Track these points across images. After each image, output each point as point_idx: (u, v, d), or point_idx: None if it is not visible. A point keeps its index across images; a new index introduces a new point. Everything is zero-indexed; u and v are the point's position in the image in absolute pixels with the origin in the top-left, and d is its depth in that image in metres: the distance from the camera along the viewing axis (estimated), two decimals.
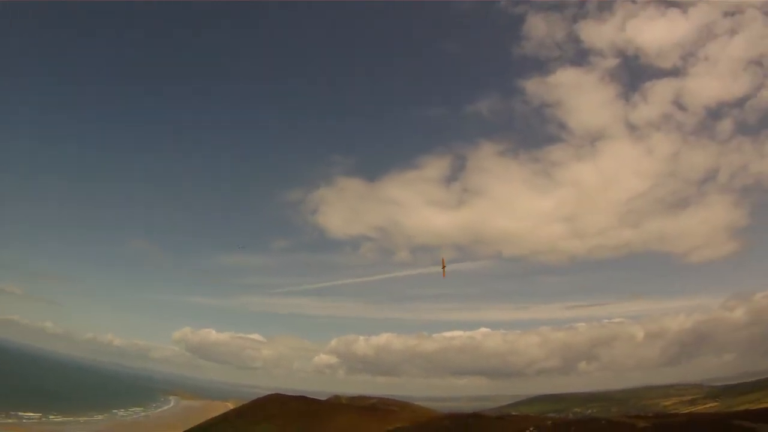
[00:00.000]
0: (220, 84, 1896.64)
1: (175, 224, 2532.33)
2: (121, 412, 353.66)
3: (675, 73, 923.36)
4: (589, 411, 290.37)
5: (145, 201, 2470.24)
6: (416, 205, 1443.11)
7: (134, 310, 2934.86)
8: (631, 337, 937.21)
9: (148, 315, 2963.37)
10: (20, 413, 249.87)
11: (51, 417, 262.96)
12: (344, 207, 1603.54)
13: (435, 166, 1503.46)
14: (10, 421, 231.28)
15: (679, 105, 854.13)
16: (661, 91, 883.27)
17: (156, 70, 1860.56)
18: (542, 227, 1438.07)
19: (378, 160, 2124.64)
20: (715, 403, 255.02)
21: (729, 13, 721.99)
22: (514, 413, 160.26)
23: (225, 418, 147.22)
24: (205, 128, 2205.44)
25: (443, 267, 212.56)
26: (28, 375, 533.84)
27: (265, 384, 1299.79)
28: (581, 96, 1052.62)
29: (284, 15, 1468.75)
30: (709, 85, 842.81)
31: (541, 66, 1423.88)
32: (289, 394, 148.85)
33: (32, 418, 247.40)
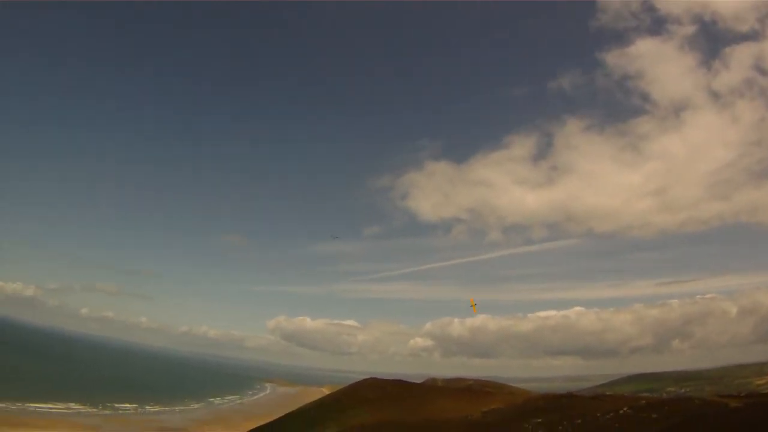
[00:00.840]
0: (310, 77, 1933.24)
1: (268, 216, 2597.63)
2: (218, 401, 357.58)
3: (754, 36, 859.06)
4: (683, 390, 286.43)
5: (238, 194, 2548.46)
6: (505, 184, 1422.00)
7: (228, 301, 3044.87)
8: (724, 314, 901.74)
9: (242, 306, 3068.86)
10: (116, 405, 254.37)
11: (147, 407, 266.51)
12: (434, 190, 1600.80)
13: (522, 145, 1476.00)
14: (106, 412, 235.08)
15: (761, 69, 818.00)
16: (741, 57, 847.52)
17: (248, 67, 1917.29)
18: (632, 202, 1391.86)
19: (465, 142, 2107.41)
20: None
21: None
22: (608, 393, 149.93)
23: (321, 403, 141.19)
24: (295, 120, 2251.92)
25: (473, 305, 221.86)
26: (124, 368, 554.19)
27: (360, 369, 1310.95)
28: (662, 66, 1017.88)
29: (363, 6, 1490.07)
30: None
31: (619, 37, 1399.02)
32: (385, 378, 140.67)
33: (128, 410, 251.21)
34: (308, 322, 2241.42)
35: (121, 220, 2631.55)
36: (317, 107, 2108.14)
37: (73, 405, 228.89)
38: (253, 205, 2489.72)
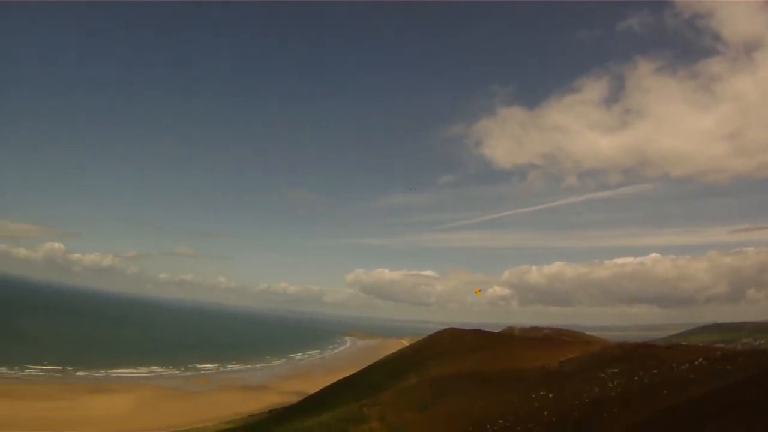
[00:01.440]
0: (380, 30, 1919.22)
1: (342, 170, 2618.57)
2: (298, 356, 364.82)
3: None
4: (758, 342, 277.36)
5: (312, 149, 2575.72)
6: (579, 129, 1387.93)
7: (306, 257, 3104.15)
8: None
9: (320, 261, 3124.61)
10: (198, 366, 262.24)
11: (229, 366, 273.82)
12: (507, 137, 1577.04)
13: (594, 88, 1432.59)
14: (188, 373, 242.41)
15: None
16: None
17: (318, 25, 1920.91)
18: (705, 146, 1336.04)
19: (536, 86, 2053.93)
20: None
21: None
22: (683, 343, 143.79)
23: (401, 354, 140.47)
24: (367, 72, 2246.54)
25: (478, 292, 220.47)
26: (205, 329, 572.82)
27: (439, 319, 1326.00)
28: (731, 4, 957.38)
29: None
30: None
31: None
32: (464, 328, 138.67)
33: (210, 370, 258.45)
34: (387, 274, 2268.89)
35: (195, 184, 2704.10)
36: (388, 58, 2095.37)
37: (155, 368, 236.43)
38: (327, 159, 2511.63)
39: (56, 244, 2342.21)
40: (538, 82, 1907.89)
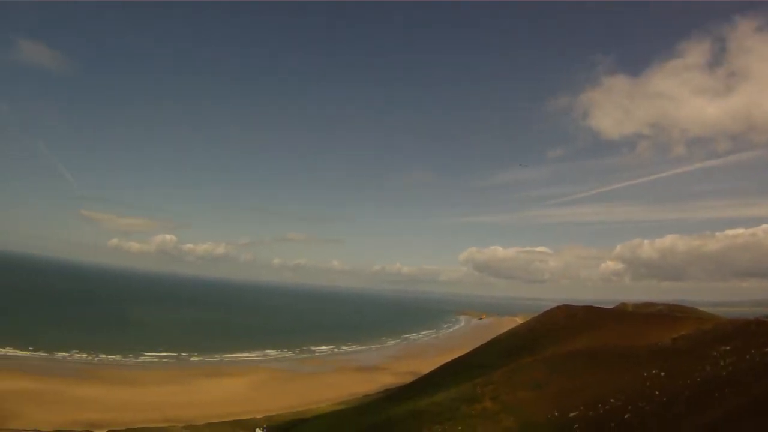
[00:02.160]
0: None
1: (451, 147, 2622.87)
2: (413, 336, 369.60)
3: None
4: None
5: (420, 128, 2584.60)
6: (684, 95, 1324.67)
7: (419, 237, 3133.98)
8: None
9: (433, 240, 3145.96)
10: (312, 348, 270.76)
11: (343, 348, 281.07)
12: (613, 107, 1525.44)
13: (695, 52, 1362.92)
14: (303, 355, 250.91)
15: None
16: None
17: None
18: None
19: (637, 52, 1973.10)
20: None
21: None
22: None
23: (514, 332, 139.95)
24: (475, 50, 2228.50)
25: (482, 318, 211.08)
26: (319, 312, 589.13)
27: (552, 296, 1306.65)
28: None
29: None
30: None
31: None
32: (577, 304, 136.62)
33: (324, 351, 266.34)
34: (500, 251, 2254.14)
35: (306, 170, 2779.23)
36: (494, 38, 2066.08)
37: (270, 352, 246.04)
38: (436, 138, 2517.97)
39: (168, 236, 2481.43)
40: (639, 48, 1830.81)
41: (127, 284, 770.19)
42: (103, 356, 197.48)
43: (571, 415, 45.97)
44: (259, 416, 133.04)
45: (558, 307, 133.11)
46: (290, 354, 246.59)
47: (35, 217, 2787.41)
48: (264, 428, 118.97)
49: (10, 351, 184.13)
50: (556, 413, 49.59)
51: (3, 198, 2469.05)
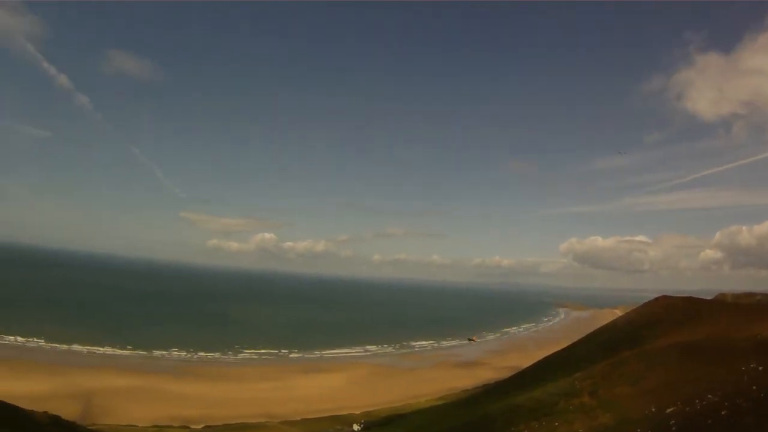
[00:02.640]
0: None
1: (547, 137, 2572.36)
2: (513, 329, 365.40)
3: None
4: None
5: (513, 120, 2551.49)
6: None
7: (519, 229, 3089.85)
8: None
9: (533, 232, 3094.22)
10: (412, 343, 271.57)
11: (443, 342, 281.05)
12: (708, 86, 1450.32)
13: None
14: (404, 350, 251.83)
15: None
16: None
17: None
18: None
19: (728, 27, 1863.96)
20: None
21: None
22: None
23: (613, 325, 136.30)
24: (559, 36, 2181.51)
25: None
26: (420, 307, 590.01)
27: (652, 286, 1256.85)
28: None
29: None
30: None
31: None
32: (676, 295, 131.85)
33: (425, 347, 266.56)
34: (599, 242, 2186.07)
35: (400, 165, 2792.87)
36: (584, 18, 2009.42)
37: (370, 347, 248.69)
38: (529, 128, 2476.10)
39: (267, 235, 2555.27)
40: (730, 22, 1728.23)
41: (228, 283, 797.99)
42: (202, 354, 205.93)
43: (668, 411, 44.79)
44: (357, 412, 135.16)
45: (657, 299, 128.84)
46: (390, 349, 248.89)
47: (136, 221, 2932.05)
48: (362, 423, 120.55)
49: (108, 350, 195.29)
50: (653, 409, 48.42)
51: (105, 204, 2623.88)
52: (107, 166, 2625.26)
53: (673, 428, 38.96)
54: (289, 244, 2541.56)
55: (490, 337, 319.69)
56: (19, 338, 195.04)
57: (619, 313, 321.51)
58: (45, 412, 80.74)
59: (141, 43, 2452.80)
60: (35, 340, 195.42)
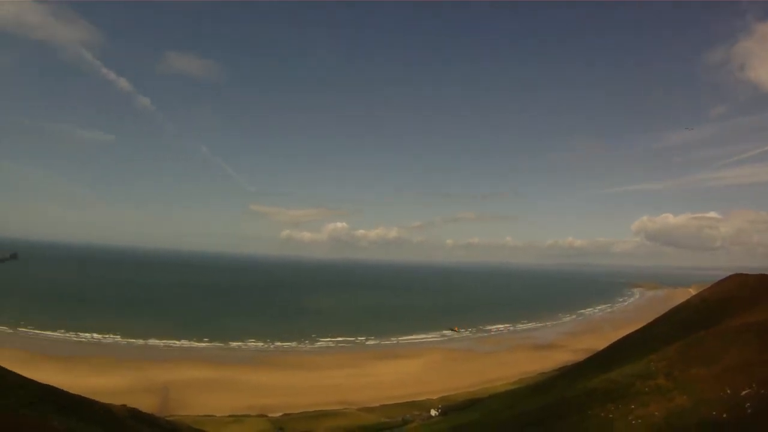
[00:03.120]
0: None
1: (612, 114, 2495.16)
2: (588, 311, 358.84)
3: None
4: None
5: (577, 96, 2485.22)
6: None
7: (590, 208, 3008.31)
8: None
9: (605, 211, 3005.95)
10: (488, 327, 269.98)
11: (519, 326, 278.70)
12: None
13: None
14: (480, 334, 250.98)
15: None
16: None
17: None
18: None
19: None
20: None
21: None
22: None
23: (687, 305, 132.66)
24: (616, 14, 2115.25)
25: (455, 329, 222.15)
26: (494, 290, 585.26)
27: (725, 264, 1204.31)
28: None
29: None
30: None
31: None
32: (750, 273, 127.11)
33: (501, 330, 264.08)
34: (671, 219, 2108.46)
35: (472, 149, 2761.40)
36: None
37: (446, 332, 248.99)
38: (595, 105, 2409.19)
39: (339, 224, 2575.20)
40: None
41: (301, 273, 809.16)
42: (279, 344, 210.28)
43: (743, 393, 44.44)
44: (434, 397, 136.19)
45: (730, 277, 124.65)
46: (467, 333, 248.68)
47: (207, 217, 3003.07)
48: (439, 408, 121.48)
49: (185, 343, 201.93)
50: (728, 391, 47.95)
51: (175, 201, 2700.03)
52: (173, 165, 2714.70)
53: (749, 410, 38.89)
54: (361, 231, 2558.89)
55: (566, 318, 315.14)
56: (96, 335, 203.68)
57: (693, 291, 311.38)
58: (123, 406, 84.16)
59: (198, 42, 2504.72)
60: (111, 336, 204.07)
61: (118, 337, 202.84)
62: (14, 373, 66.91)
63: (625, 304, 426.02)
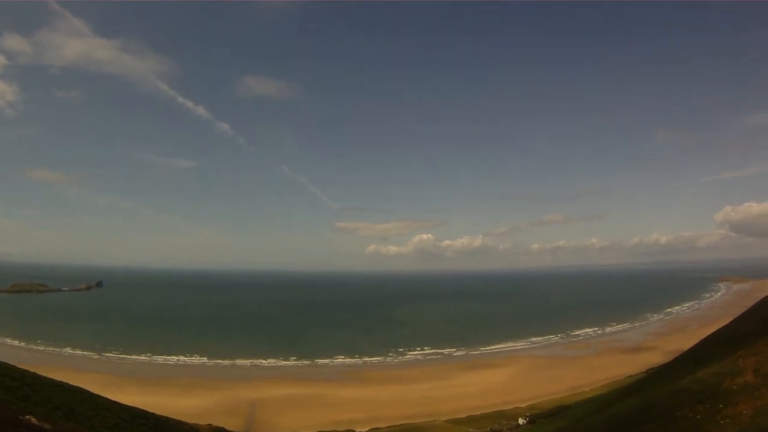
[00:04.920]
0: None
1: (694, 101, 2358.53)
2: (675, 309, 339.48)
3: None
4: None
5: (659, 86, 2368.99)
6: None
7: (674, 202, 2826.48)
8: None
9: (688, 203, 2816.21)
10: (575, 332, 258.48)
11: (607, 329, 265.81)
12: None
13: None
14: (567, 340, 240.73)
15: None
16: None
17: None
18: None
19: None
20: None
21: None
22: None
23: None
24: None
25: None
26: (582, 293, 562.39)
27: None
28: None
29: None
30: None
31: None
32: None
33: (588, 334, 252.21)
34: (754, 208, 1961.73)
35: (554, 150, 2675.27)
36: None
37: (534, 339, 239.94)
38: (675, 94, 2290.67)
39: (425, 235, 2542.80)
40: None
41: (389, 286, 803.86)
42: (366, 359, 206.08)
43: None
44: (522, 406, 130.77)
45: None
46: (554, 339, 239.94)
47: (294, 237, 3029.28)
48: (527, 417, 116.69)
49: (272, 362, 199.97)
50: None
51: (264, 223, 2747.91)
52: (256, 187, 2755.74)
53: None
54: (446, 242, 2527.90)
55: (654, 318, 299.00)
56: (182, 357, 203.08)
57: None
58: (209, 425, 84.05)
59: (269, 64, 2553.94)
60: (198, 357, 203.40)
61: (205, 358, 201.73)
62: (100, 396, 68.62)
63: (712, 299, 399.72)
